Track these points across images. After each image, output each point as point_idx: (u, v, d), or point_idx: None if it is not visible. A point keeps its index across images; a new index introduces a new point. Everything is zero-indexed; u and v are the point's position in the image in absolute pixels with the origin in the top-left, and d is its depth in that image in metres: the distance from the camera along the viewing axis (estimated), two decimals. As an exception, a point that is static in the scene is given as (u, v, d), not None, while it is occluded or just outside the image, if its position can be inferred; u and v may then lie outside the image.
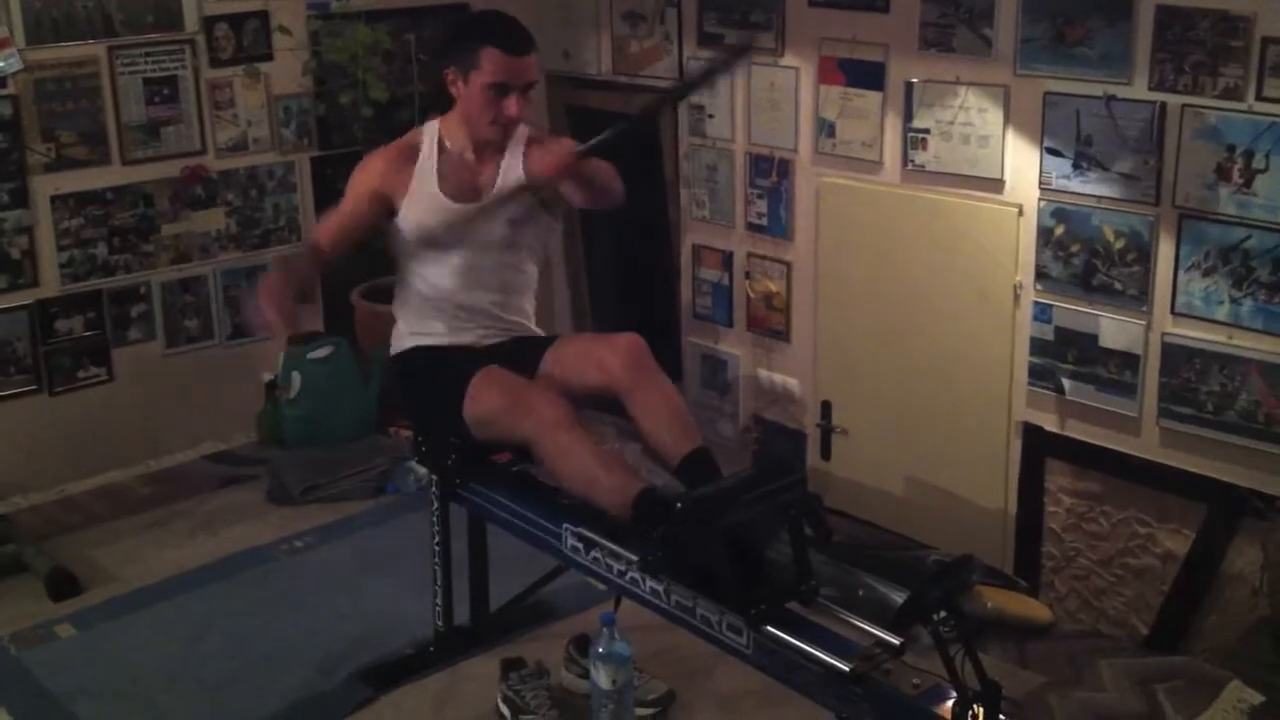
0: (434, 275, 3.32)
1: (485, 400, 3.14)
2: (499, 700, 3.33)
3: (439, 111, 3.44)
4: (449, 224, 3.28)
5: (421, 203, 3.30)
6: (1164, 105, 3.34)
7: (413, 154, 3.34)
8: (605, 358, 3.18)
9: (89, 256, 4.51)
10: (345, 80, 4.76)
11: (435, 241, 3.30)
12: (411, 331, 3.39)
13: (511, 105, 3.19)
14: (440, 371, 3.28)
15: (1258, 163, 3.20)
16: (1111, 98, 3.44)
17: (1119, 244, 3.51)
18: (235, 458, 4.83)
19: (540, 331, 3.49)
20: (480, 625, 3.63)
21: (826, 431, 4.35)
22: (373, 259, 4.74)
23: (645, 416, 3.13)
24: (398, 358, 3.42)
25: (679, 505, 2.73)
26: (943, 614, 2.54)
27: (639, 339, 3.21)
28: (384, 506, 4.46)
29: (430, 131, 3.37)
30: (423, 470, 4.04)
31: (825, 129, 4.16)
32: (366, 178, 3.37)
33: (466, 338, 3.34)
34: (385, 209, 3.33)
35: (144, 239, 4.62)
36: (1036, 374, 3.76)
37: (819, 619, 2.71)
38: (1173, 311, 3.44)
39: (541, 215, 3.40)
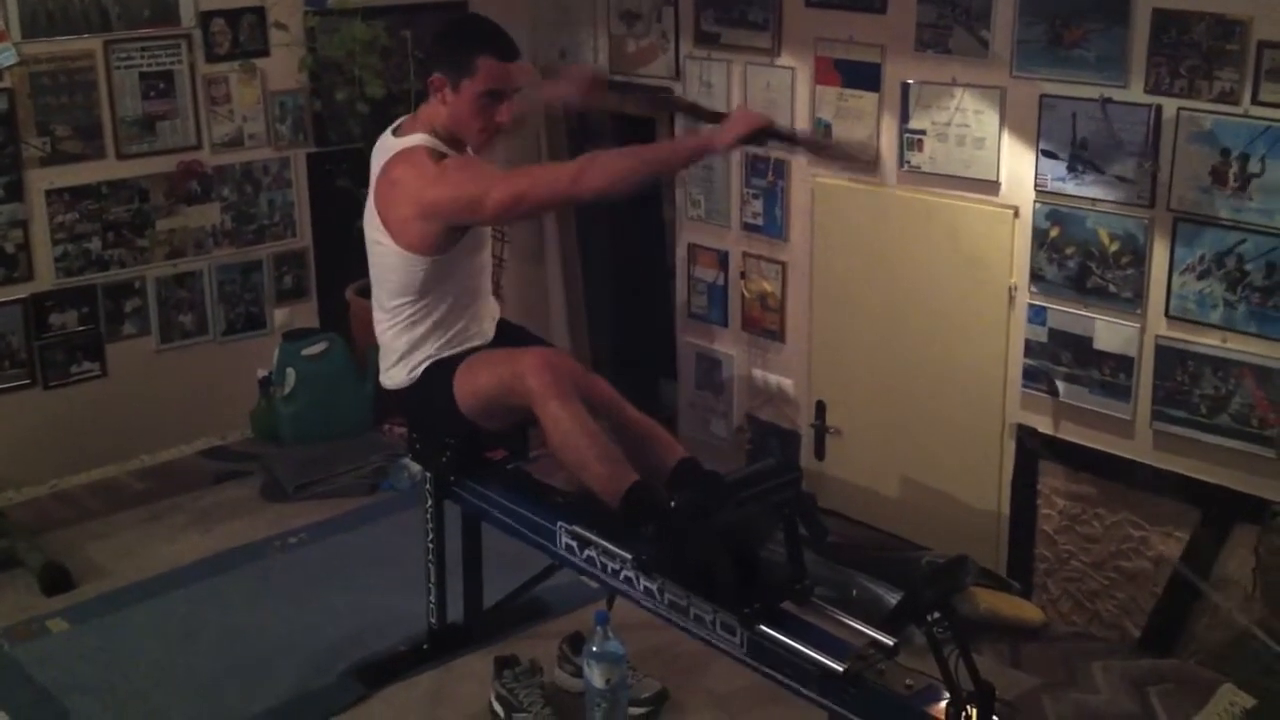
0: (470, 278, 3.26)
1: (476, 380, 3.14)
2: (492, 698, 3.33)
3: None
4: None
5: None
6: (1160, 108, 3.35)
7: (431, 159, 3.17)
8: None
9: (83, 251, 4.50)
10: (341, 76, 4.76)
11: (475, 243, 3.26)
12: (425, 355, 3.26)
13: (504, 112, 3.15)
14: (430, 382, 3.27)
15: (1253, 166, 3.20)
16: (1107, 100, 3.44)
17: (1114, 247, 3.52)
18: (229, 453, 4.83)
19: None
20: (474, 623, 3.63)
21: (820, 432, 4.35)
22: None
23: (625, 443, 3.12)
24: (422, 377, 3.27)
25: (674, 504, 2.73)
26: (936, 615, 2.55)
27: (598, 379, 3.21)
28: (378, 503, 4.46)
29: (431, 143, 3.19)
30: (417, 467, 4.04)
31: (821, 129, 4.17)
32: (482, 162, 3.22)
33: (477, 338, 3.31)
34: None
35: (139, 234, 4.61)
36: (1030, 376, 3.76)
37: (813, 619, 2.72)
38: (1167, 314, 3.45)
39: None
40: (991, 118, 3.72)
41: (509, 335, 3.36)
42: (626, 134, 4.77)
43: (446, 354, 3.25)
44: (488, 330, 3.34)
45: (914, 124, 3.92)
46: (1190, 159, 3.31)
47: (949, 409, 3.97)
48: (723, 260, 4.59)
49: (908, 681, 2.53)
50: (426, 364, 3.26)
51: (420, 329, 3.24)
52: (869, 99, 4.02)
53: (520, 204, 3.04)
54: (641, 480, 2.94)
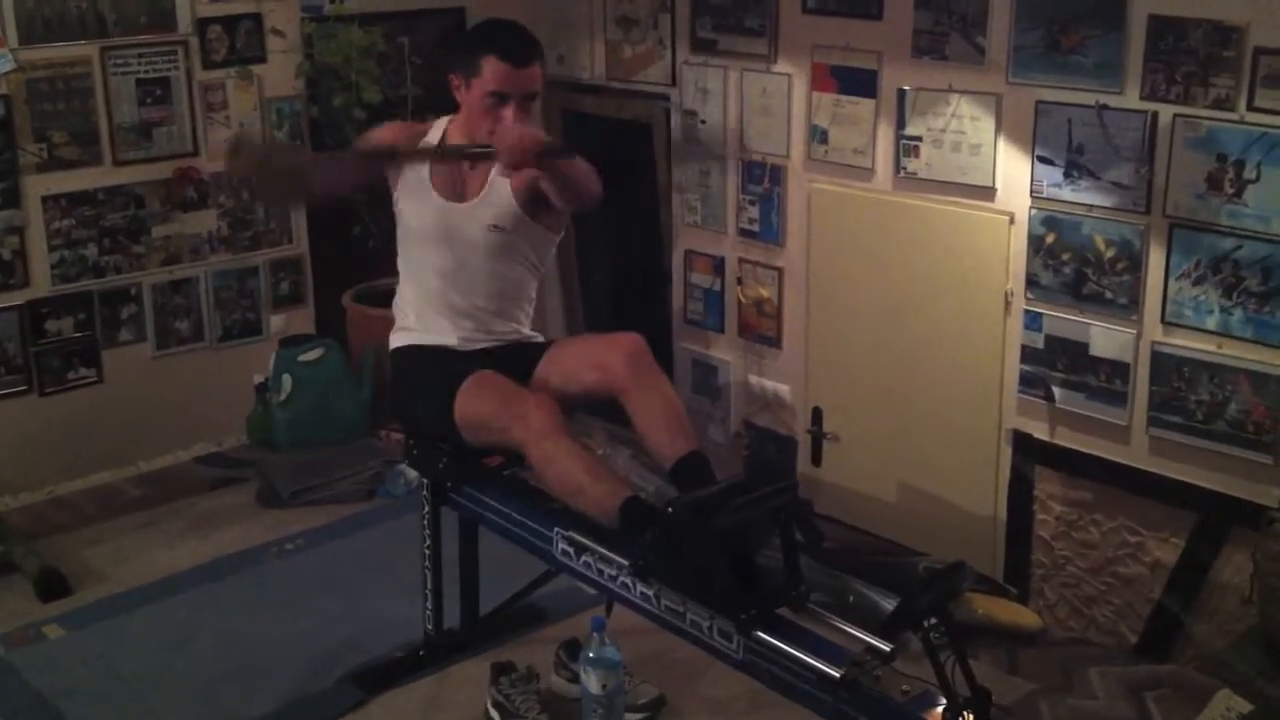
0: (427, 270, 3.34)
1: (475, 404, 3.14)
2: (489, 704, 3.33)
3: (434, 114, 3.46)
4: (432, 213, 3.31)
5: (412, 189, 3.32)
6: (1156, 115, 3.35)
7: (420, 139, 3.36)
8: (605, 357, 3.18)
9: (80, 257, 4.50)
10: (338, 83, 4.75)
11: (423, 234, 3.32)
12: (408, 328, 3.40)
13: (508, 115, 3.18)
14: (433, 372, 3.28)
15: (1249, 173, 3.21)
16: (1104, 107, 3.45)
17: (1110, 253, 3.52)
18: (226, 460, 4.82)
19: (538, 337, 3.48)
20: (471, 629, 3.63)
21: (817, 438, 4.35)
22: (366, 261, 4.75)
23: (642, 417, 3.12)
24: (395, 352, 3.43)
25: (670, 509, 2.73)
26: (933, 620, 2.55)
27: (639, 339, 3.22)
28: (375, 510, 4.46)
29: (439, 127, 3.38)
30: (413, 473, 4.03)
31: (817, 135, 4.17)
32: (386, 135, 3.43)
33: (453, 339, 3.33)
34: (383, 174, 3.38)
35: (135, 240, 4.61)
36: (1027, 382, 3.76)
37: (809, 624, 2.71)
38: (1163, 320, 3.45)
39: (534, 225, 3.34)
40: (987, 124, 3.72)
41: (517, 362, 3.32)
42: (622, 142, 4.78)
43: (423, 340, 3.34)
44: (461, 340, 3.33)
45: (910, 130, 3.92)
46: (1186, 165, 3.32)
47: (945, 415, 3.97)
48: (719, 266, 4.59)
49: (904, 687, 2.53)
50: (404, 342, 3.38)
51: (399, 291, 3.44)
52: (865, 105, 4.03)
53: None
54: (635, 495, 2.94)
